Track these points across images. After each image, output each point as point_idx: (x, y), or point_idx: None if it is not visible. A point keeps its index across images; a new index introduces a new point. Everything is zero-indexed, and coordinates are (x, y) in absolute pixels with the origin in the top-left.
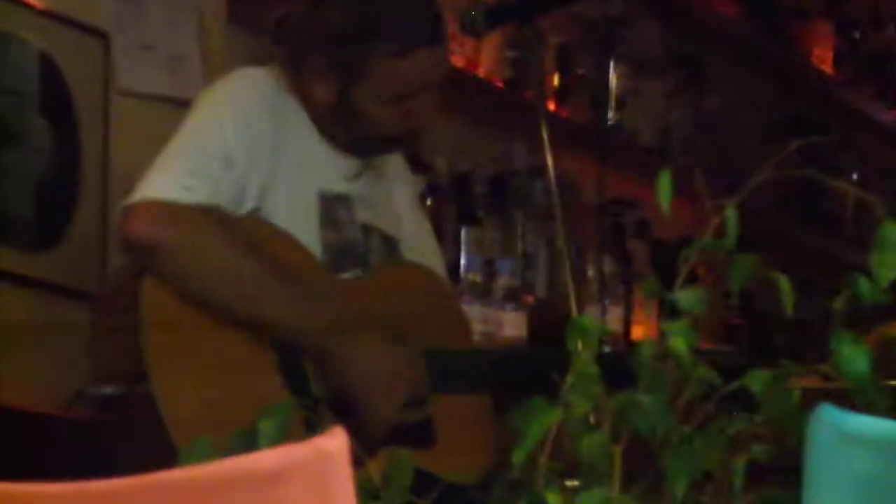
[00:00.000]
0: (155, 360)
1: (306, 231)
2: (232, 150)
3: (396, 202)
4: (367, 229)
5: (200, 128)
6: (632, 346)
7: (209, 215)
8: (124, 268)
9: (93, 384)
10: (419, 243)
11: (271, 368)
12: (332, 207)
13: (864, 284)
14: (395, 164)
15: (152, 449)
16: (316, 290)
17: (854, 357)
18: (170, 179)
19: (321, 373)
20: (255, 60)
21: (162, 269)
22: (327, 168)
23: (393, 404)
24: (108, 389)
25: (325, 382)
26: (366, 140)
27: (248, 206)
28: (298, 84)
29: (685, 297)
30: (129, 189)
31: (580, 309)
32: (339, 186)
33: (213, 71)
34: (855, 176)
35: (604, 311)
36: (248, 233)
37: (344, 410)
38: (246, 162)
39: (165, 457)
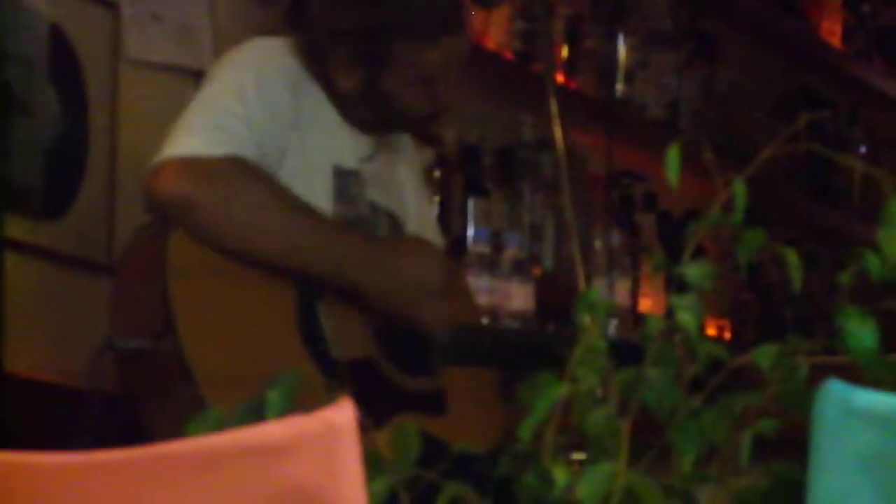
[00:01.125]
0: (182, 315)
1: (320, 202)
2: (253, 112)
3: (402, 181)
4: (374, 207)
5: (222, 90)
6: (639, 318)
7: (239, 166)
8: (147, 227)
9: (120, 338)
10: (421, 223)
11: (296, 329)
12: (345, 182)
13: (871, 259)
14: (402, 141)
15: (178, 409)
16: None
17: (861, 332)
18: (195, 136)
19: (368, 306)
20: (266, 31)
21: (196, 224)
22: (343, 144)
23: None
24: (136, 342)
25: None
26: (390, 120)
27: (267, 169)
28: (320, 69)
29: (692, 271)
30: (137, 158)
31: (588, 281)
32: (352, 164)
33: (222, 41)
34: (864, 149)
35: (611, 284)
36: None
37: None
38: (267, 125)
39: (195, 410)
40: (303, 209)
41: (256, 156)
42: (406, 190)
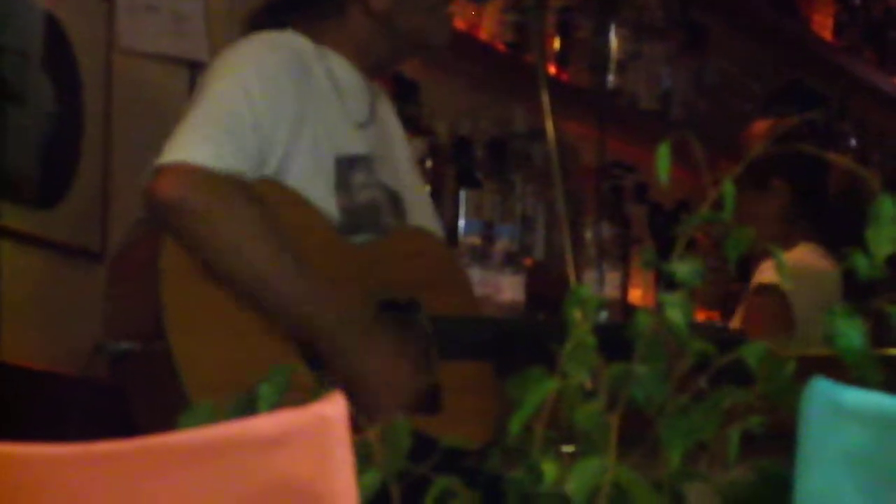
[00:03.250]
0: (174, 317)
1: (323, 196)
2: (259, 115)
3: (398, 159)
4: (381, 186)
5: (228, 91)
6: (630, 310)
7: (241, 186)
8: (141, 223)
9: (110, 340)
10: (419, 203)
11: (287, 334)
12: (347, 171)
13: (859, 259)
14: (393, 123)
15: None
16: (330, 266)
17: (849, 331)
18: (204, 144)
19: (329, 364)
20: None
21: (188, 233)
22: (342, 126)
23: (397, 405)
24: (126, 345)
25: (332, 372)
26: (410, 39)
27: (269, 170)
28: (330, 21)
29: (682, 269)
30: (131, 149)
31: (578, 273)
32: (356, 147)
33: (216, 31)
34: (854, 142)
35: (602, 276)
36: (263, 197)
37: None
38: (272, 128)
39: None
40: (289, 250)
41: (259, 161)
42: (403, 170)
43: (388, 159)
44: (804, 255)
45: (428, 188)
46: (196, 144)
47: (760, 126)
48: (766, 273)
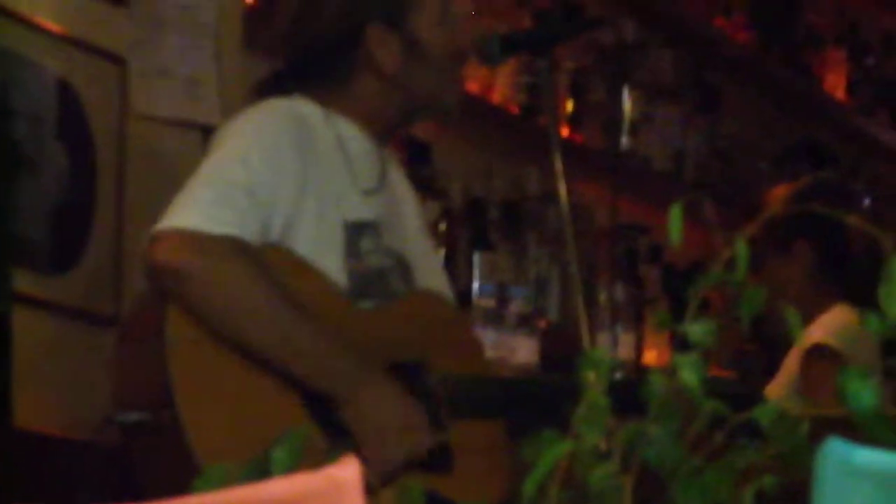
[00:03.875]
0: (182, 386)
1: (331, 262)
2: (258, 183)
3: (407, 225)
4: (389, 252)
5: (226, 160)
6: (644, 371)
7: (236, 247)
8: (147, 293)
9: (120, 410)
10: (429, 267)
11: (297, 396)
12: (356, 236)
13: (872, 319)
14: (403, 187)
15: (180, 475)
16: (336, 327)
17: (861, 391)
18: (198, 210)
19: (343, 417)
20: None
21: (187, 297)
22: (351, 193)
23: (411, 458)
24: (136, 416)
25: (347, 426)
26: (419, 102)
27: (274, 237)
28: (339, 86)
29: (695, 330)
30: (144, 214)
31: (592, 335)
32: (363, 213)
33: (229, 95)
34: (868, 201)
35: (615, 338)
36: (270, 263)
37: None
38: (271, 196)
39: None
40: (289, 305)
41: (259, 228)
42: (412, 234)
43: (397, 225)
44: (845, 316)
45: (442, 251)
46: (191, 210)
47: (780, 191)
48: (815, 335)
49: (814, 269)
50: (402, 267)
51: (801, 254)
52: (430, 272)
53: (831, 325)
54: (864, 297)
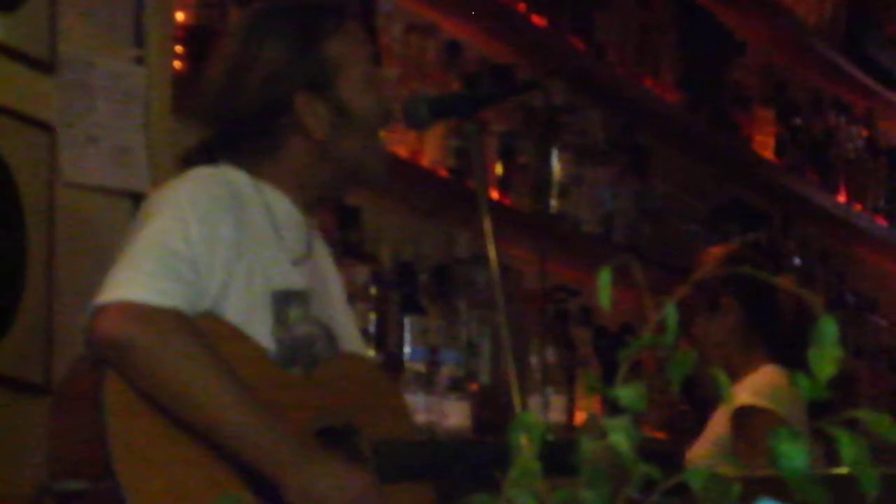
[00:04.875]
0: (121, 455)
1: (260, 329)
2: (197, 253)
3: (331, 293)
4: (315, 322)
5: (164, 230)
6: (575, 432)
7: (181, 320)
8: (80, 362)
9: (58, 480)
10: (351, 334)
11: (234, 467)
12: (284, 305)
13: (803, 381)
14: (325, 255)
15: None
16: (270, 396)
17: (792, 453)
18: (141, 282)
19: (283, 490)
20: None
21: (131, 369)
22: (279, 262)
23: None
24: (74, 484)
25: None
26: (348, 167)
27: (206, 305)
28: (268, 154)
29: (626, 394)
30: (74, 281)
31: (524, 399)
32: (292, 282)
33: (159, 162)
34: (798, 260)
35: (547, 401)
36: (206, 330)
37: None
38: (208, 264)
39: None
40: (234, 382)
41: (197, 296)
42: (336, 305)
43: (321, 293)
44: (773, 376)
45: (372, 316)
46: (135, 282)
47: (716, 251)
48: (745, 397)
49: (742, 327)
50: (328, 335)
51: (729, 310)
52: (352, 339)
53: (759, 385)
54: (791, 357)
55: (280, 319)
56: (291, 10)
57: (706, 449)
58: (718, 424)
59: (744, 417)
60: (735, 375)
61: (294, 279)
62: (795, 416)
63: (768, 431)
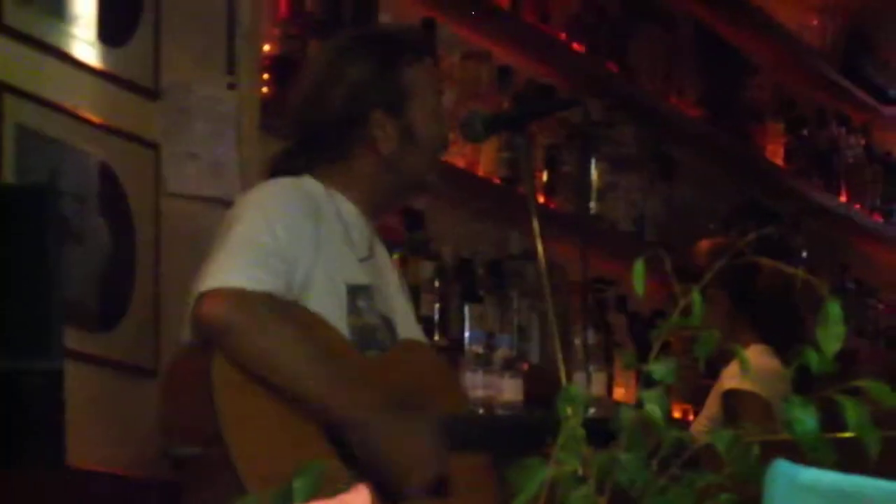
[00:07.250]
0: (229, 423)
1: (337, 317)
2: (283, 248)
3: (390, 289)
4: (377, 313)
5: (255, 227)
6: (615, 404)
7: (273, 303)
8: (185, 347)
9: (176, 446)
10: (409, 323)
11: (322, 433)
12: (355, 297)
13: (812, 356)
14: (385, 256)
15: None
16: (355, 371)
17: (804, 417)
18: (238, 271)
19: (361, 451)
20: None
21: (232, 347)
22: (350, 260)
23: (421, 481)
24: (189, 450)
25: (363, 458)
26: (408, 181)
27: (292, 296)
28: (340, 165)
29: (658, 368)
30: (177, 278)
31: (568, 375)
32: (360, 278)
33: (249, 174)
34: (805, 254)
35: (589, 377)
36: (295, 316)
37: (377, 483)
38: (294, 258)
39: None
40: (321, 354)
41: (288, 284)
42: (393, 296)
43: (382, 288)
44: (758, 356)
45: (436, 305)
46: (231, 271)
47: (704, 245)
48: (732, 380)
49: (729, 313)
50: (388, 325)
51: (717, 301)
52: (411, 327)
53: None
54: (776, 333)
55: (352, 309)
56: (378, 38)
57: (703, 424)
58: (713, 403)
59: (730, 399)
60: (725, 358)
61: (361, 275)
62: (780, 391)
63: (752, 412)
